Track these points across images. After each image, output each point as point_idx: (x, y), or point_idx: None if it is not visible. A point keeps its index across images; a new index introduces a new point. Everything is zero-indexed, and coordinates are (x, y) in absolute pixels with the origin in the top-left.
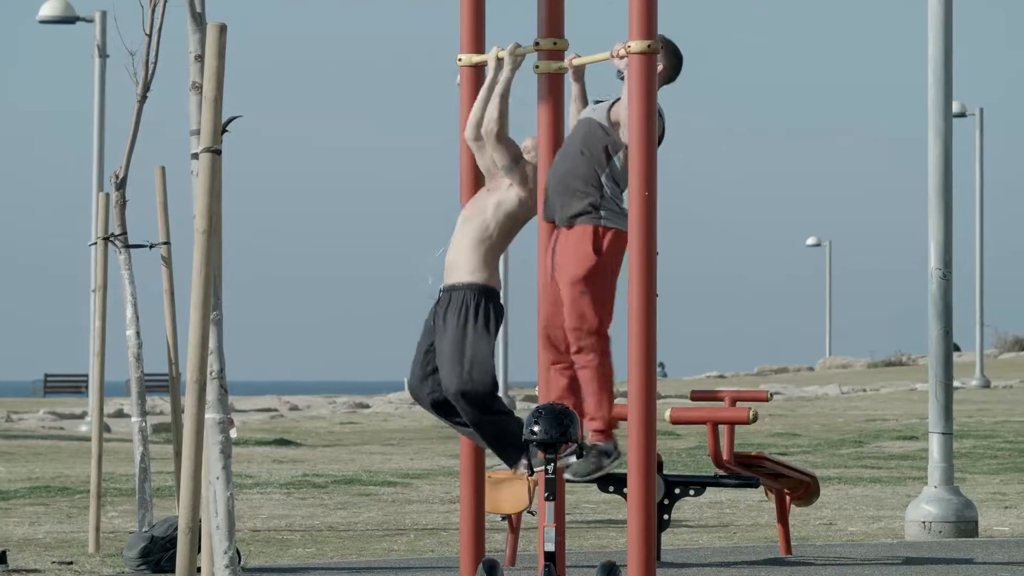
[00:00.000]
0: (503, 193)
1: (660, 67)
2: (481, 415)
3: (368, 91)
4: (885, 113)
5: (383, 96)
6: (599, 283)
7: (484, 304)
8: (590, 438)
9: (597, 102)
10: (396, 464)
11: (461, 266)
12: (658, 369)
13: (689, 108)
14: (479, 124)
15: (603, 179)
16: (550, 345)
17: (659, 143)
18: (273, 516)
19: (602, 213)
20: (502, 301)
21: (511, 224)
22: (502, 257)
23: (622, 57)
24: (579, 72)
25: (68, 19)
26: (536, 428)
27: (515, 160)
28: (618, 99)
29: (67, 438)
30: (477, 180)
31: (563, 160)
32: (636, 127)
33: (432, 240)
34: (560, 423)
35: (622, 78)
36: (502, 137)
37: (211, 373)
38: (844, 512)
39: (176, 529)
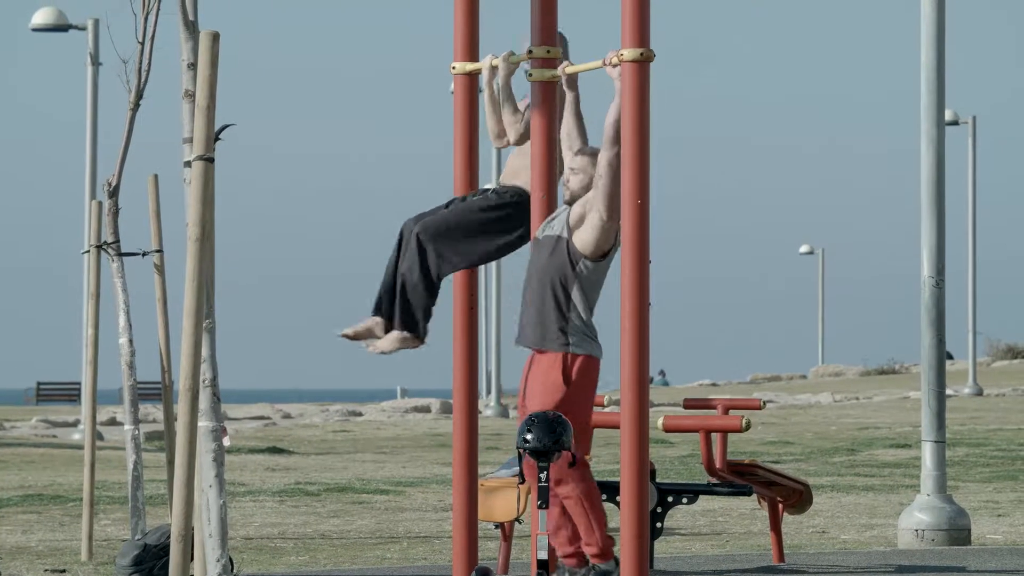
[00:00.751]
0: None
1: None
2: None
3: (362, 98)
4: (878, 121)
5: (378, 103)
6: (571, 411)
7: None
8: (590, 562)
9: (551, 222)
10: (389, 472)
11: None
12: (660, 376)
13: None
14: (500, 136)
15: (573, 304)
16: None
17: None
18: (266, 524)
19: (571, 340)
20: (495, 308)
21: None
22: (495, 271)
23: (615, 65)
24: (572, 80)
25: (61, 27)
26: (529, 436)
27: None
28: (566, 209)
29: (60, 446)
30: (472, 186)
31: (534, 287)
32: (629, 135)
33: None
34: (553, 431)
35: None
36: (525, 138)
37: (204, 381)
38: (837, 520)
39: (169, 537)
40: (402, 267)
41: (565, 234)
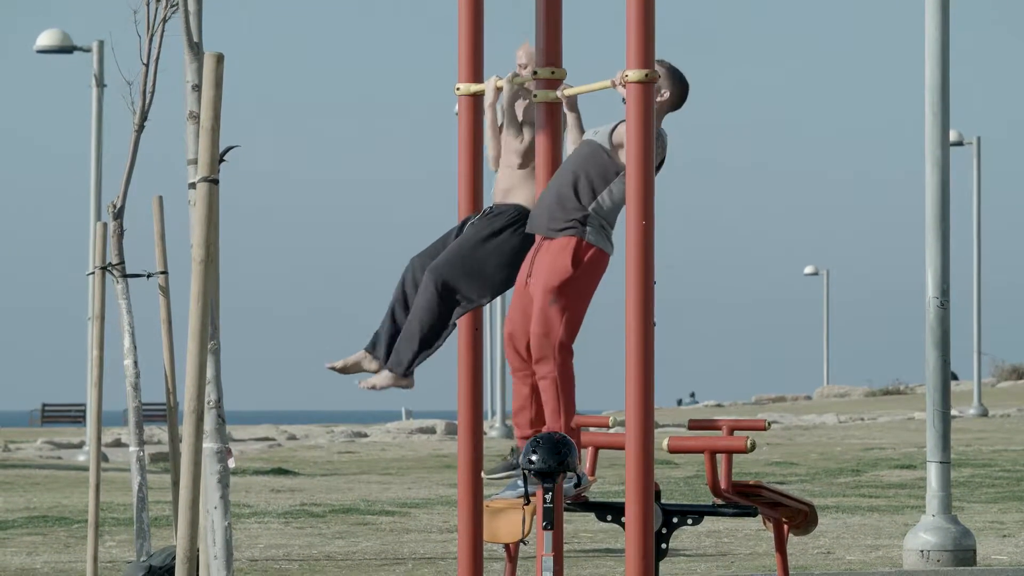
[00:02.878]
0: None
1: (666, 95)
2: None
3: (367, 122)
4: (883, 142)
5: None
6: (571, 296)
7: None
8: None
9: (596, 131)
10: (394, 493)
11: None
12: (690, 398)
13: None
14: (497, 160)
15: (601, 196)
16: (514, 352)
17: (658, 169)
18: (271, 545)
19: (588, 228)
20: (499, 329)
21: None
22: None
23: (624, 85)
24: (572, 102)
25: (66, 48)
26: (534, 457)
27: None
28: (622, 121)
29: (65, 467)
30: (476, 208)
31: (560, 176)
32: (634, 156)
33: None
34: (558, 452)
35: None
36: (528, 159)
37: (209, 402)
38: (842, 541)
39: (174, 559)
40: (416, 312)
41: (607, 145)
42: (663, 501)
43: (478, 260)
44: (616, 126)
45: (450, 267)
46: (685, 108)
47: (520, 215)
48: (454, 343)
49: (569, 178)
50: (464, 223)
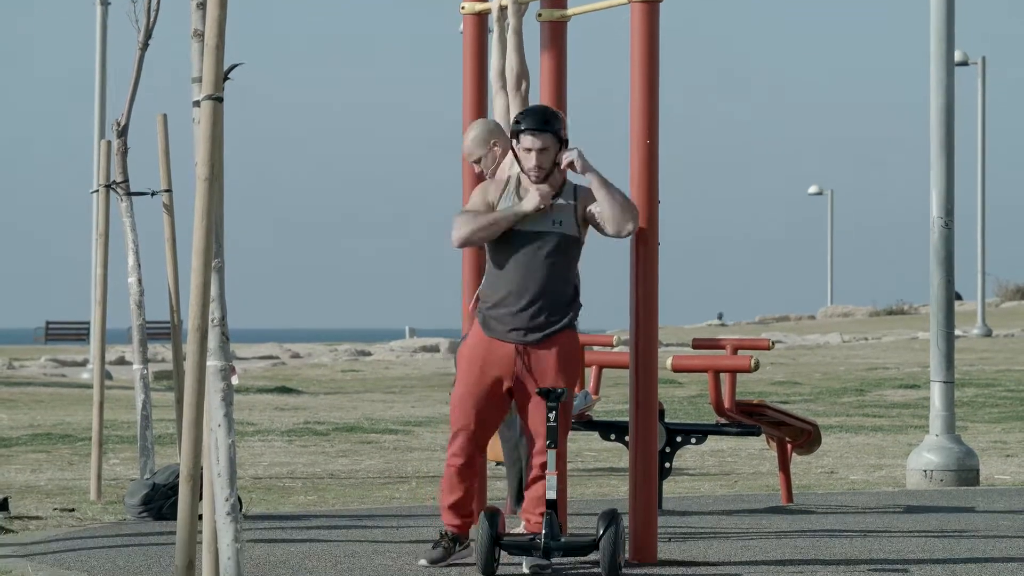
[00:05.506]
0: None
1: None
2: None
3: (373, 42)
4: (888, 63)
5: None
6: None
7: None
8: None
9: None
10: (398, 412)
11: None
12: (718, 320)
13: (693, 57)
14: (502, 74)
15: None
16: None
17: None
18: (274, 464)
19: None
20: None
21: None
22: None
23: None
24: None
25: None
26: (522, 124)
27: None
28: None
29: (68, 385)
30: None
31: (539, 277)
32: (638, 75)
33: (435, 188)
34: (545, 117)
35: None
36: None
37: (213, 320)
38: (845, 460)
39: (178, 477)
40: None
41: (574, 232)
42: (667, 420)
43: None
44: (576, 210)
45: None
46: (696, 25)
47: None
48: (458, 265)
49: (558, 278)
50: None
